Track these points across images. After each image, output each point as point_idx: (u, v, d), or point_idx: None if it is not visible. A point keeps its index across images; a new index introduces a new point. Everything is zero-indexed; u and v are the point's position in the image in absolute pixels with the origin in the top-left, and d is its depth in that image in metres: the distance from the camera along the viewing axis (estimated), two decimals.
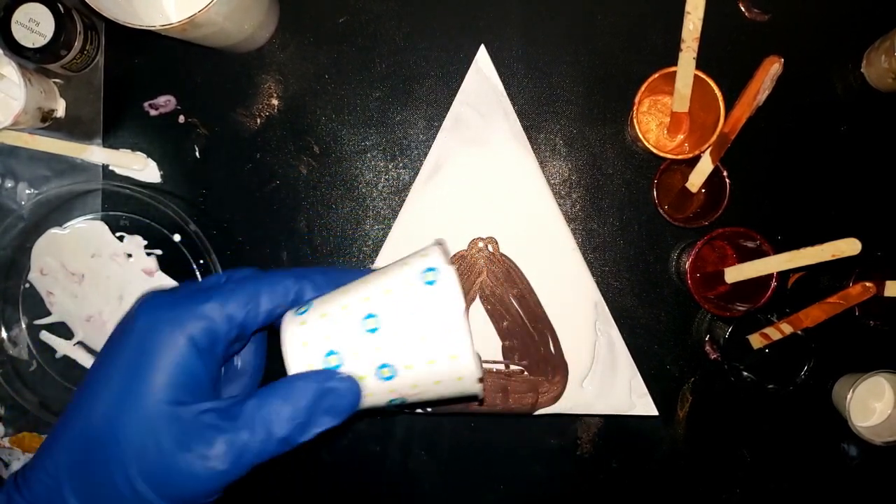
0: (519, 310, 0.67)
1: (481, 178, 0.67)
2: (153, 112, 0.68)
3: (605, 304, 0.67)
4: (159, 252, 0.68)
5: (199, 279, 0.67)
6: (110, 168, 0.68)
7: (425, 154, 0.67)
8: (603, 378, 0.67)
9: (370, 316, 0.35)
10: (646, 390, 0.66)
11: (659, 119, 0.66)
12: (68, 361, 0.68)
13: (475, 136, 0.67)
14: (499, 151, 0.67)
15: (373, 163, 0.69)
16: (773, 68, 0.58)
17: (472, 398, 0.39)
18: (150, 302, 0.35)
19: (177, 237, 0.67)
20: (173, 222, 0.66)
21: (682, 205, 0.67)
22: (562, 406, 0.66)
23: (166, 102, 0.68)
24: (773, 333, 0.63)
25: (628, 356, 0.67)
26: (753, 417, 0.69)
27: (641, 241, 0.68)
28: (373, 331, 0.35)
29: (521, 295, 0.67)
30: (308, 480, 0.69)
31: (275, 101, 0.68)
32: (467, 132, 0.67)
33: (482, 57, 0.67)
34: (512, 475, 0.70)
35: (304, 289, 0.38)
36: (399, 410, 0.69)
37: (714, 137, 0.61)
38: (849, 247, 0.56)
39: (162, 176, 0.69)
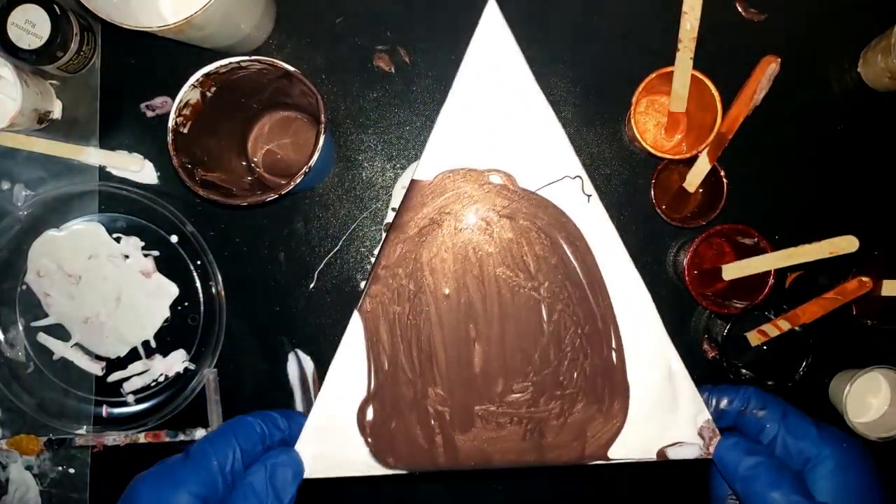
0: (574, 262, 0.49)
1: (496, 161, 0.51)
2: (150, 113, 0.68)
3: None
4: (156, 253, 0.67)
5: (196, 279, 0.67)
6: (107, 169, 0.68)
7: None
8: (662, 414, 0.49)
9: None
10: (715, 428, 0.49)
11: (656, 119, 0.67)
12: (66, 363, 0.68)
13: (485, 115, 0.51)
14: (515, 124, 0.52)
15: (370, 163, 0.69)
16: (770, 68, 0.58)
17: None
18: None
19: (174, 238, 0.67)
20: (170, 223, 0.66)
21: (679, 205, 0.67)
22: (619, 452, 0.49)
23: (163, 104, 0.68)
24: (771, 330, 0.63)
25: (691, 385, 0.50)
26: None
27: (639, 241, 0.68)
28: None
29: (573, 241, 0.49)
30: (308, 481, 0.69)
31: None
32: (476, 111, 0.51)
33: (491, 13, 0.53)
34: (511, 475, 0.70)
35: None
36: None
37: (711, 137, 0.61)
38: (846, 244, 0.56)
39: (159, 177, 0.68)
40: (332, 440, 0.49)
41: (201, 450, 0.46)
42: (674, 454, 0.49)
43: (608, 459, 0.49)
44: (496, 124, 0.51)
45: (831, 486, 0.43)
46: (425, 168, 0.51)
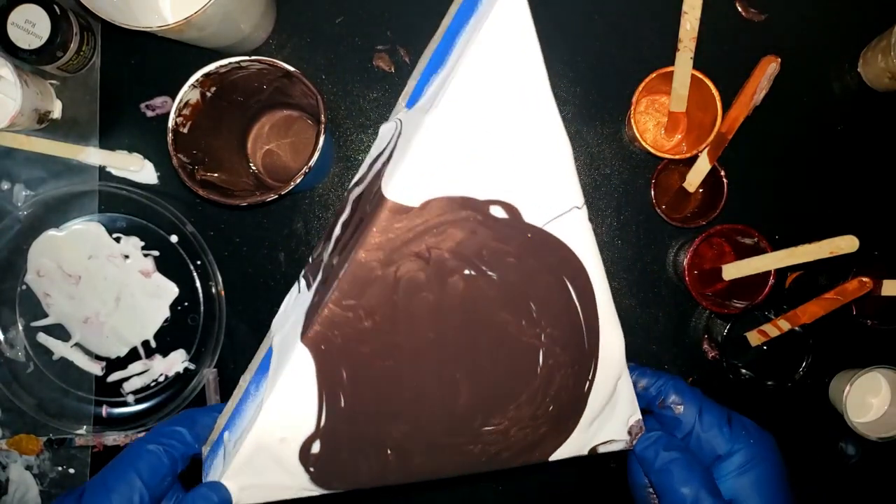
0: (577, 303, 0.45)
1: (499, 190, 0.43)
2: (150, 113, 0.68)
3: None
4: (156, 253, 0.67)
5: (196, 279, 0.67)
6: (107, 169, 0.68)
7: None
8: (602, 420, 0.49)
9: None
10: (643, 425, 0.50)
11: (656, 119, 0.67)
12: (65, 363, 0.68)
13: (489, 130, 0.42)
14: (524, 144, 0.43)
15: None
16: (770, 68, 0.58)
17: None
18: None
19: (174, 238, 0.67)
20: (170, 223, 0.66)
21: (679, 205, 0.67)
22: (559, 454, 0.48)
23: (163, 103, 0.68)
24: (771, 330, 0.63)
25: (631, 389, 0.49)
26: (752, 414, 0.68)
27: (639, 242, 0.68)
28: None
29: (577, 281, 0.45)
30: None
31: None
32: (478, 123, 0.42)
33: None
34: (510, 475, 0.70)
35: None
36: None
37: (711, 137, 0.61)
38: (846, 244, 0.56)
39: (159, 177, 0.68)
40: (266, 471, 0.43)
41: (97, 496, 0.40)
42: (603, 449, 0.49)
43: (547, 461, 0.48)
44: (501, 142, 0.42)
45: (735, 483, 0.46)
46: (407, 187, 0.41)
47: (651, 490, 0.50)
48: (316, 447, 0.43)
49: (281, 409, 0.42)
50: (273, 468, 0.43)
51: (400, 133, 0.45)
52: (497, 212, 0.43)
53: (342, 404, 0.43)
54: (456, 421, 0.45)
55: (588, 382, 0.47)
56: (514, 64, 0.42)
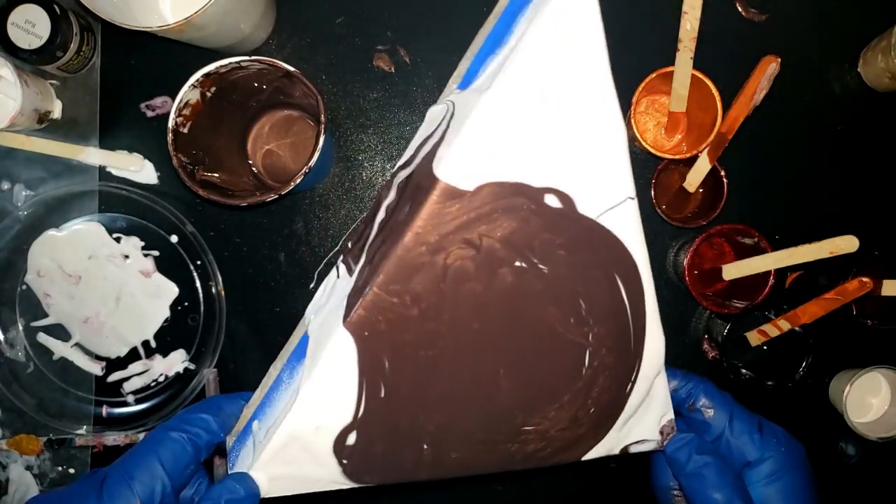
0: (626, 302, 0.43)
1: (554, 178, 0.41)
2: (150, 113, 0.68)
3: None
4: (156, 253, 0.67)
5: (196, 279, 0.67)
6: (107, 169, 0.68)
7: None
8: (636, 420, 0.48)
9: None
10: (674, 425, 0.48)
11: (656, 119, 0.67)
12: (65, 363, 0.68)
13: (547, 113, 0.40)
14: (582, 130, 0.41)
15: (370, 163, 0.69)
16: (770, 68, 0.58)
17: None
18: None
19: (174, 238, 0.67)
20: (170, 223, 0.66)
21: (679, 205, 0.67)
22: (591, 454, 0.47)
23: (163, 104, 0.68)
24: (771, 330, 0.63)
25: (666, 389, 0.48)
26: None
27: None
28: None
29: (628, 278, 0.43)
30: None
31: None
32: (536, 105, 0.40)
33: None
34: (509, 476, 0.69)
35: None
36: None
37: (711, 137, 0.61)
38: (846, 244, 0.56)
39: (159, 177, 0.68)
40: (298, 462, 0.42)
41: (118, 483, 0.39)
42: (635, 449, 0.48)
43: (580, 461, 0.47)
44: (558, 127, 0.40)
45: (764, 491, 0.46)
46: (460, 169, 0.39)
47: (677, 492, 0.49)
48: (352, 438, 0.42)
49: (318, 396, 0.41)
50: (305, 459, 0.42)
51: (452, 114, 0.43)
52: (551, 201, 0.41)
53: (382, 394, 0.41)
54: (495, 417, 0.44)
55: (630, 384, 0.45)
56: (576, 47, 0.40)
